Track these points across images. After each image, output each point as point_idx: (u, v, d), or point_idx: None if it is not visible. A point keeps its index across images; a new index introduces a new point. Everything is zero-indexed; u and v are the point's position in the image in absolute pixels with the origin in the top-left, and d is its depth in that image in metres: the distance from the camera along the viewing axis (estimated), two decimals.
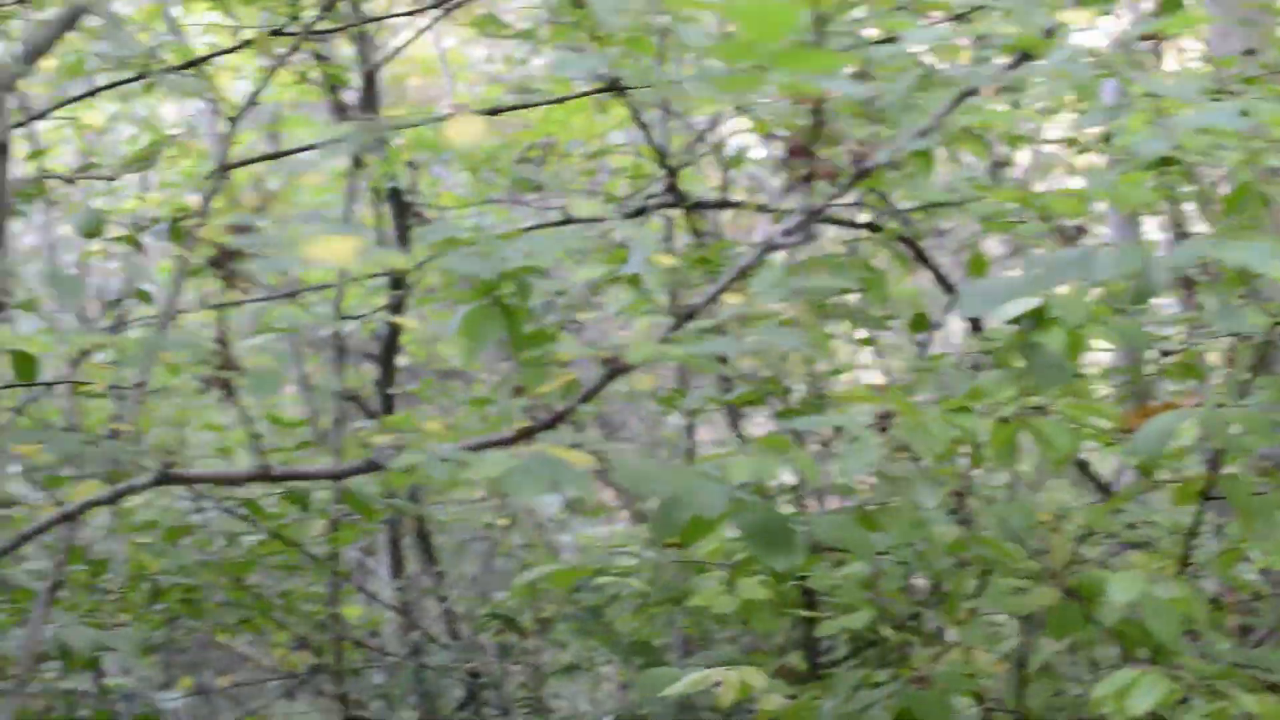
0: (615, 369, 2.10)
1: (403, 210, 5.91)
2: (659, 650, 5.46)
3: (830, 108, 1.76)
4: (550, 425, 2.22)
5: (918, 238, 4.84)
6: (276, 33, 3.31)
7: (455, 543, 7.73)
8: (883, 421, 2.54)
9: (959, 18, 2.97)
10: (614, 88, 3.53)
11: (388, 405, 5.96)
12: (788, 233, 1.99)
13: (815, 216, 1.93)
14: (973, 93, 1.82)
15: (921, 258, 5.03)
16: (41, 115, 3.25)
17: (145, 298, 3.42)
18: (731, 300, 2.09)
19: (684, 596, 5.23)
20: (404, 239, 5.97)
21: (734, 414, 6.15)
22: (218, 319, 2.03)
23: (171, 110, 9.52)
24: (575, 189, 5.72)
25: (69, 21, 2.63)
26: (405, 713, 5.47)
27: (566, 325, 4.03)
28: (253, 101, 2.91)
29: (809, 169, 1.85)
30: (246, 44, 3.33)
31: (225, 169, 3.02)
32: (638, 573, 4.24)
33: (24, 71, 2.41)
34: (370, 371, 6.32)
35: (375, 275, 5.98)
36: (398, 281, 5.68)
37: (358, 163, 5.14)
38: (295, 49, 3.24)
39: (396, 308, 5.75)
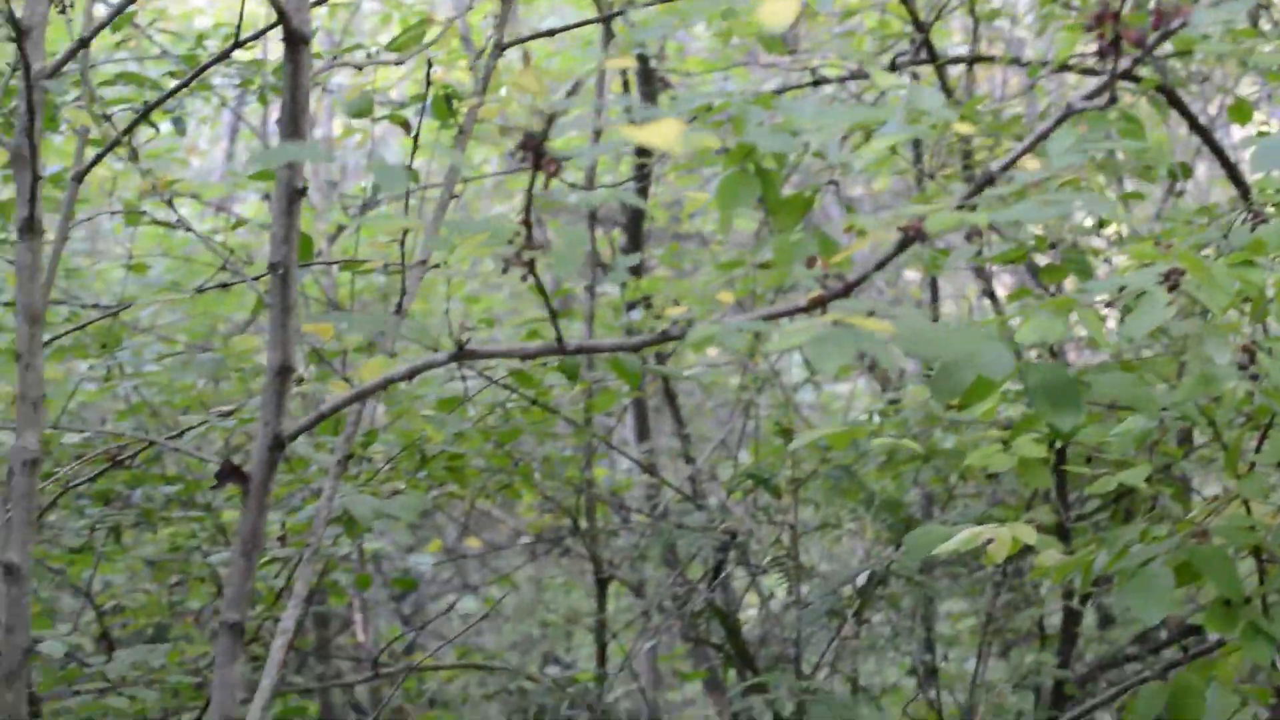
0: (911, 237, 2.10)
1: (649, 77, 5.95)
2: (906, 507, 5.50)
3: None
4: (844, 293, 2.23)
5: (1177, 86, 4.75)
6: None
7: (695, 404, 7.83)
8: (1171, 278, 2.52)
9: None
10: None
11: (636, 270, 6.02)
12: (1089, 96, 1.98)
13: (1119, 79, 1.91)
14: None
15: (1179, 106, 4.94)
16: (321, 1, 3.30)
17: (414, 176, 3.49)
18: (1029, 164, 2.09)
19: (932, 452, 5.25)
20: (652, 105, 6.00)
21: (984, 274, 6.12)
22: (526, 197, 2.07)
23: None
24: (825, 48, 5.68)
25: None
26: (658, 571, 5.58)
27: (823, 189, 4.05)
28: None
29: (1117, 32, 1.84)
30: None
31: (502, 47, 3.06)
32: (904, 428, 4.25)
33: None
34: (617, 236, 6.40)
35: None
36: (644, 151, 5.72)
37: (609, 32, 5.16)
38: None
39: (643, 177, 5.80)
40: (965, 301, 7.87)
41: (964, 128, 2.18)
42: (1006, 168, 2.06)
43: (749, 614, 6.80)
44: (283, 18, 2.47)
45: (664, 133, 1.69)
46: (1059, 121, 2.00)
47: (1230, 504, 3.05)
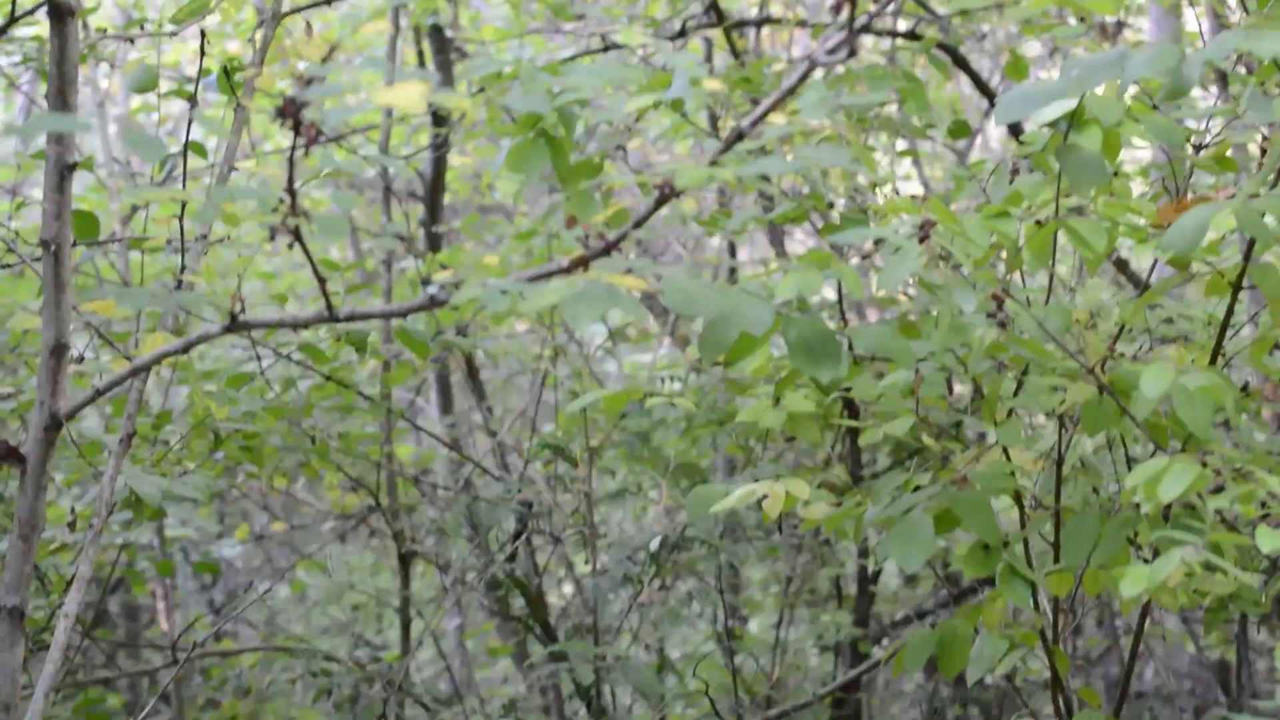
0: (665, 194, 2.17)
1: (443, 45, 5.97)
2: (704, 472, 5.59)
3: None
4: (604, 253, 2.29)
5: (956, 44, 4.86)
6: None
7: (502, 378, 7.86)
8: (923, 230, 2.61)
9: None
10: None
11: (434, 244, 6.04)
12: (831, 50, 2.05)
13: (860, 31, 1.99)
14: None
15: (960, 64, 5.06)
16: None
17: (199, 151, 3.49)
18: (777, 119, 2.16)
19: (729, 417, 5.34)
20: (446, 74, 6.02)
21: (776, 233, 6.23)
22: (285, 166, 2.10)
23: None
24: (615, 14, 5.73)
25: None
26: (459, 546, 5.61)
27: (611, 154, 4.09)
28: None
29: None
30: None
31: (279, 17, 3.08)
32: (684, 396, 4.32)
33: None
34: (416, 211, 6.41)
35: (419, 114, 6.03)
36: (440, 119, 5.74)
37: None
38: None
39: (440, 146, 5.82)
40: (764, 269, 7.97)
41: (714, 85, 2.24)
42: (756, 123, 2.13)
43: (561, 586, 6.86)
44: None
45: (408, 93, 1.73)
46: (804, 76, 2.07)
47: (990, 451, 3.16)
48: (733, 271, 6.71)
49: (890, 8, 2.12)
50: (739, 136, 2.19)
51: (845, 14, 2.01)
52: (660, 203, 2.22)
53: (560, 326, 5.55)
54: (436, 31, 6.06)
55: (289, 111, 2.05)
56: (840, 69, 3.24)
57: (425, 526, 5.74)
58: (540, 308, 2.07)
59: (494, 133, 5.02)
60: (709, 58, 6.34)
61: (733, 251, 6.92)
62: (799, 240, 7.75)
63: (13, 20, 3.50)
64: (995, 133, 8.82)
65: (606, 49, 5.78)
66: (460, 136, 6.01)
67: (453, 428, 6.40)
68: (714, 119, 5.60)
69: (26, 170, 5.88)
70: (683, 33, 5.44)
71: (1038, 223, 2.90)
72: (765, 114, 2.18)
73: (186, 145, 3.18)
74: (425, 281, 5.42)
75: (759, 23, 5.82)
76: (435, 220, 6.20)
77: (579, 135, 3.08)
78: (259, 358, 4.50)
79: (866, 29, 2.12)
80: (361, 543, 7.75)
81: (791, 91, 2.16)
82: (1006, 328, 2.74)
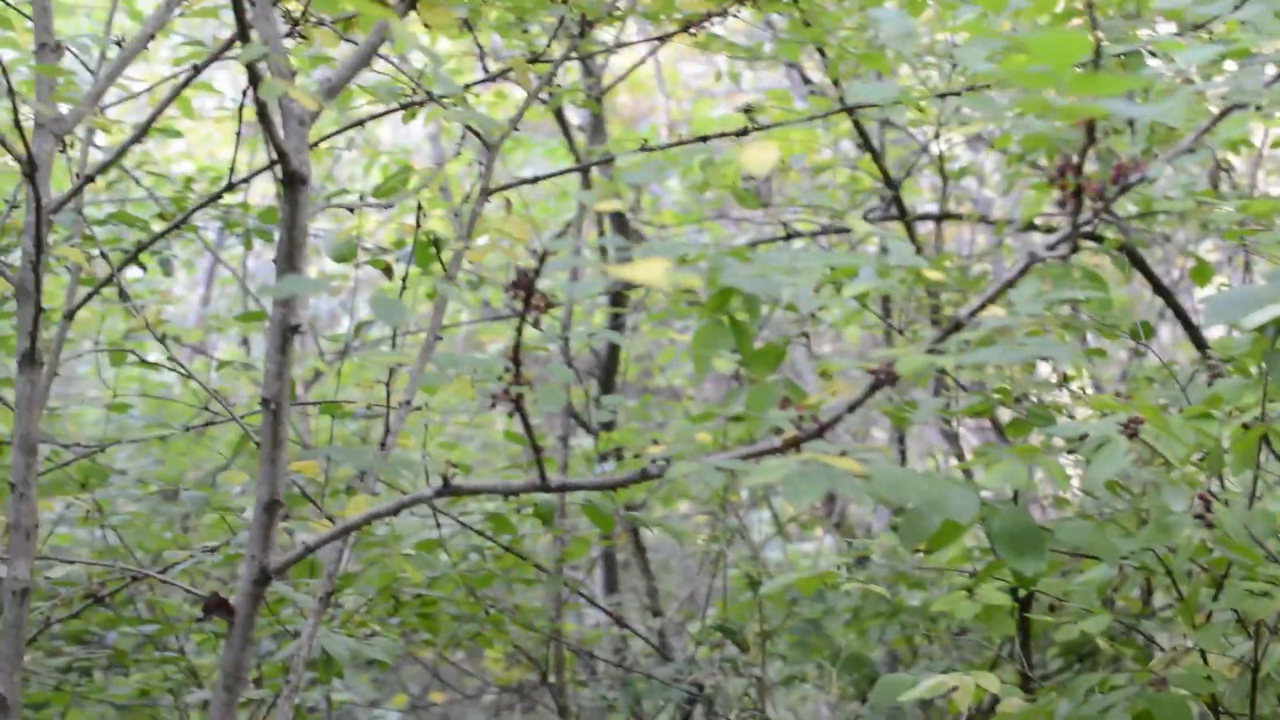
0: (882, 379, 2.19)
1: (623, 227, 6.09)
2: (872, 663, 5.56)
3: (1101, 125, 1.86)
4: (818, 434, 2.31)
5: (1139, 246, 4.89)
6: (533, 60, 3.46)
7: (662, 558, 7.89)
8: (1130, 427, 2.61)
9: (1199, 27, 3.04)
10: (849, 107, 3.61)
11: (608, 422, 6.11)
12: (1051, 246, 2.08)
13: (1082, 230, 2.02)
14: (1240, 108, 1.90)
15: (1141, 266, 5.07)
16: (318, 142, 3.41)
17: (395, 320, 3.58)
18: (995, 311, 2.19)
19: (897, 609, 5.31)
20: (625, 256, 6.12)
21: (951, 430, 6.22)
22: (513, 337, 2.16)
23: (386, 134, 9.77)
24: (795, 202, 5.83)
25: (367, 57, 2.80)
26: None
27: (793, 340, 4.15)
28: (514, 127, 3.06)
29: (1078, 185, 1.94)
30: (505, 72, 3.48)
31: (487, 193, 3.17)
32: (871, 582, 4.31)
33: (324, 105, 2.56)
34: (590, 388, 6.50)
35: (599, 293, 6.15)
36: (618, 299, 5.85)
37: (585, 183, 5.30)
38: (551, 78, 3.39)
39: (617, 326, 5.91)
40: (932, 461, 7.97)
41: (933, 274, 2.28)
42: (974, 314, 2.16)
43: None
44: (283, 158, 2.57)
45: (651, 270, 1.78)
46: (1024, 269, 2.10)
47: (1188, 654, 3.12)
48: (903, 459, 6.70)
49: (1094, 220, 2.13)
50: (957, 326, 2.21)
51: (1069, 211, 2.04)
52: (876, 387, 2.25)
53: (730, 512, 5.57)
54: (618, 215, 6.20)
55: (523, 284, 2.11)
56: (1037, 279, 3.27)
57: (592, 704, 5.74)
58: (760, 483, 2.10)
59: (673, 314, 5.10)
60: (885, 249, 6.40)
61: (902, 447, 6.93)
62: (970, 445, 7.73)
63: (231, 186, 3.63)
64: (1166, 335, 8.79)
65: (787, 237, 5.86)
66: (639, 318, 6.10)
67: (618, 606, 6.41)
68: (886, 308, 5.65)
69: (219, 331, 6.07)
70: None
71: (1244, 426, 2.89)
72: (984, 305, 2.20)
73: (355, 322, 3.26)
74: (603, 457, 5.50)
75: (939, 217, 5.86)
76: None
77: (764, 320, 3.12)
78: (439, 525, 4.55)
79: (1092, 235, 2.14)
80: (519, 718, 7.75)
81: (1012, 283, 2.18)
82: (1212, 529, 2.72)
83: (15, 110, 2.27)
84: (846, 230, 5.60)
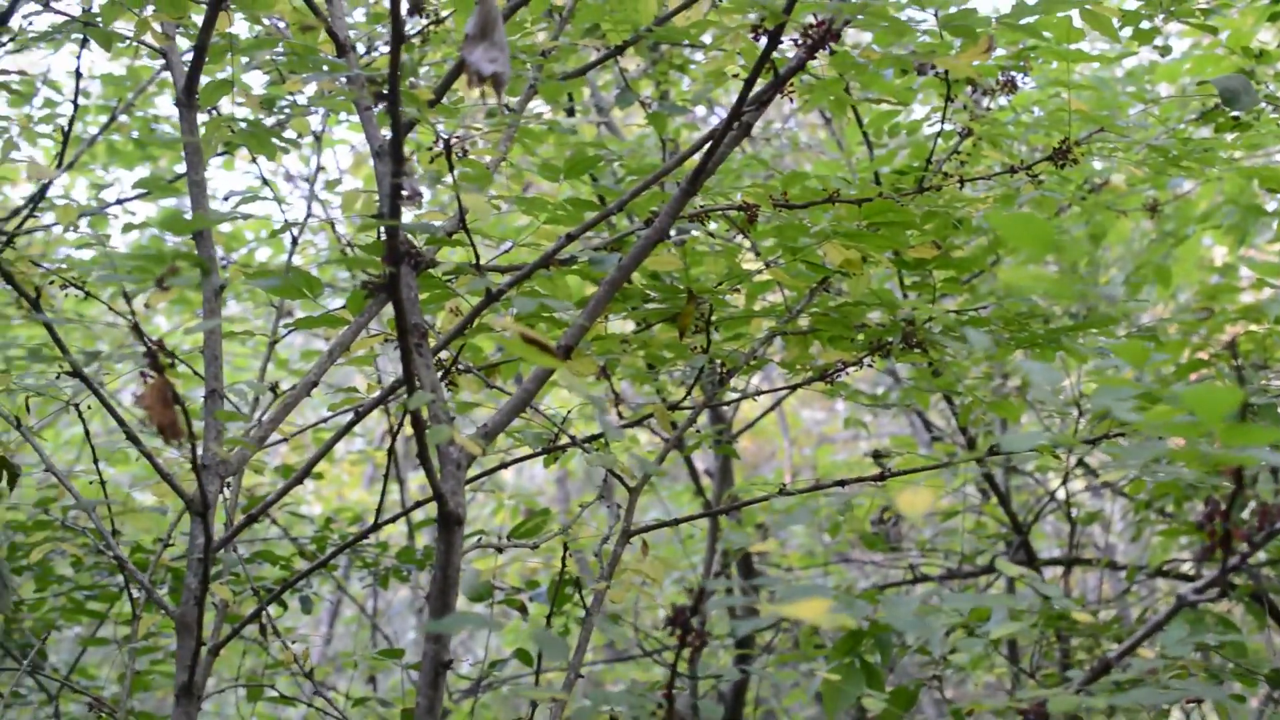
0: (1036, 718, 2.22)
1: (749, 570, 6.15)
2: None
3: (1248, 472, 1.91)
4: None
5: (1271, 592, 4.88)
6: (673, 407, 3.57)
7: None
8: None
9: None
10: (989, 451, 3.68)
11: None
12: (1200, 589, 2.12)
13: (1230, 573, 2.06)
14: None
15: (1276, 614, 5.05)
16: (472, 480, 3.52)
17: (528, 659, 3.66)
18: (1146, 654, 2.22)
19: None
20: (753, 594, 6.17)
21: None
22: (671, 669, 2.21)
23: (510, 476, 9.93)
24: (922, 547, 5.88)
25: (523, 405, 2.91)
26: None
27: (926, 683, 4.15)
28: (655, 471, 3.15)
29: (1227, 531, 1.99)
30: (645, 418, 3.59)
31: (628, 534, 3.25)
32: None
33: (485, 450, 2.67)
34: None
35: (722, 636, 6.18)
36: (744, 641, 5.88)
37: (716, 524, 5.40)
38: (691, 423, 3.49)
39: (745, 670, 5.93)
40: None
41: (1080, 616, 2.31)
42: (1124, 655, 2.19)
43: None
44: (440, 500, 2.66)
45: (814, 608, 1.83)
46: (1173, 613, 2.14)
47: None
48: None
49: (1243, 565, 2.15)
50: (1106, 667, 2.24)
51: (1218, 556, 2.09)
52: None
53: None
54: (745, 556, 6.27)
55: (679, 620, 2.17)
56: (1185, 623, 3.29)
57: None
58: None
59: (805, 658, 5.12)
60: (1011, 592, 6.41)
61: None
62: None
63: (376, 526, 3.73)
64: None
65: (914, 581, 5.90)
66: (768, 660, 6.11)
67: None
68: (1014, 652, 5.63)
69: (348, 666, 6.13)
70: (990, 568, 5.52)
71: None
72: (1133, 647, 2.23)
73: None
74: None
75: (1069, 562, 5.87)
76: None
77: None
78: None
79: (1238, 571, 2.18)
80: None
81: (1160, 625, 2.22)
82: None
83: (194, 453, 2.39)
84: (971, 575, 5.64)
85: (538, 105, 5.50)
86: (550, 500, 9.64)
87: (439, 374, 3.60)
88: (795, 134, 7.64)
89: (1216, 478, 2.60)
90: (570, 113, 5.27)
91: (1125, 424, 1.98)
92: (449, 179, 2.95)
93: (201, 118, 3.58)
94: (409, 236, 2.40)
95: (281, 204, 4.39)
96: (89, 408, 3.95)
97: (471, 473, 3.98)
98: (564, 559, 3.37)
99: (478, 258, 2.90)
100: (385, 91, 2.34)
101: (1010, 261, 4.60)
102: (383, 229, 2.38)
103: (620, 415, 3.98)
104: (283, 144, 3.90)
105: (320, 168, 4.44)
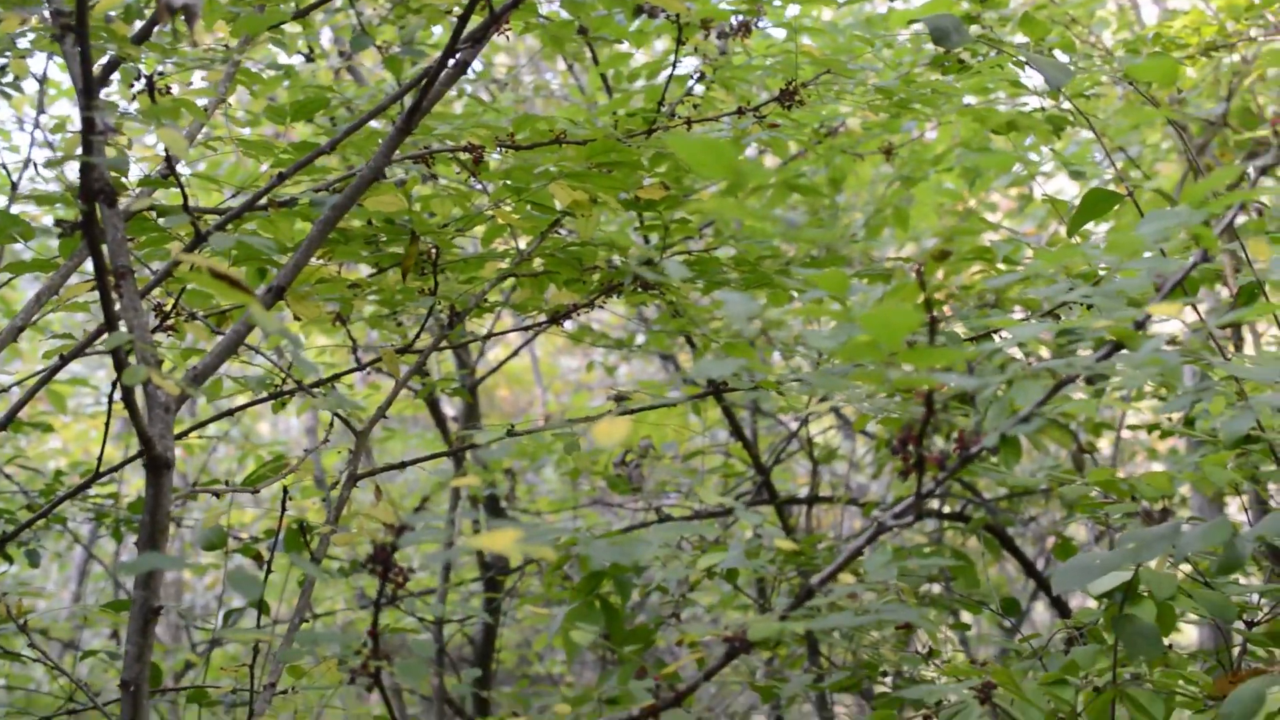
0: (737, 647, 2.23)
1: (498, 514, 6.15)
2: None
3: (938, 399, 1.94)
4: (674, 703, 2.35)
5: (1005, 525, 5.03)
6: (403, 350, 3.54)
7: None
8: (984, 691, 2.67)
9: (1049, 314, 3.19)
10: (718, 390, 3.71)
11: (484, 709, 6.09)
12: (898, 515, 2.15)
13: (925, 499, 2.09)
14: (1069, 382, 1.99)
15: (1008, 546, 5.20)
16: (187, 431, 3.45)
17: (264, 608, 3.61)
18: (846, 579, 2.25)
19: None
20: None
21: (824, 703, 6.26)
22: (374, 606, 2.19)
23: (265, 429, 9.81)
24: (667, 488, 5.93)
25: (234, 346, 2.86)
26: None
27: (665, 621, 4.19)
28: (382, 414, 3.11)
29: (919, 456, 2.02)
30: (374, 362, 3.56)
31: (355, 479, 3.22)
32: None
33: (189, 391, 2.61)
34: (466, 675, 6.47)
35: (474, 579, 6.16)
36: (492, 584, 5.88)
37: (459, 463, 5.37)
38: (419, 367, 3.46)
39: (493, 610, 5.93)
40: None
41: (786, 545, 2.34)
42: (824, 581, 2.22)
43: None
44: (146, 443, 2.60)
45: (503, 540, 1.82)
46: (871, 537, 2.17)
47: None
48: None
49: (938, 490, 2.20)
50: (809, 593, 2.27)
51: (913, 479, 2.12)
52: (731, 655, 2.29)
53: None
54: (493, 501, 6.25)
55: (380, 557, 2.15)
56: (889, 548, 3.36)
57: None
58: None
59: (548, 600, 5.14)
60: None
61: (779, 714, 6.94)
62: (840, 711, 7.76)
63: (98, 474, 3.65)
64: (1040, 617, 8.94)
65: (661, 520, 5.94)
66: (514, 603, 6.12)
67: None
68: (762, 591, 5.71)
69: (90, 625, 6.01)
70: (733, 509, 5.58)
71: (1095, 690, 2.95)
72: (835, 572, 2.26)
73: (260, 603, 3.28)
74: None
75: (810, 500, 5.98)
76: (486, 685, 6.26)
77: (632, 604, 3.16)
78: None
79: (961, 516, 2.22)
80: None
81: (860, 551, 2.25)
82: None
83: None
84: (720, 515, 5.70)
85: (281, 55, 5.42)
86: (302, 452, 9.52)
87: (162, 319, 3.53)
88: (545, 81, 7.63)
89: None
90: (309, 59, 5.18)
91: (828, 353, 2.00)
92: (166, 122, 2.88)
93: None
94: (106, 174, 2.34)
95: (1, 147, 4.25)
96: None
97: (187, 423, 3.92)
98: (283, 503, 3.32)
99: (186, 199, 2.83)
100: (75, 24, 2.27)
101: (714, 189, 4.64)
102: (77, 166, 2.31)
103: (359, 361, 3.93)
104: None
105: (41, 110, 4.32)
